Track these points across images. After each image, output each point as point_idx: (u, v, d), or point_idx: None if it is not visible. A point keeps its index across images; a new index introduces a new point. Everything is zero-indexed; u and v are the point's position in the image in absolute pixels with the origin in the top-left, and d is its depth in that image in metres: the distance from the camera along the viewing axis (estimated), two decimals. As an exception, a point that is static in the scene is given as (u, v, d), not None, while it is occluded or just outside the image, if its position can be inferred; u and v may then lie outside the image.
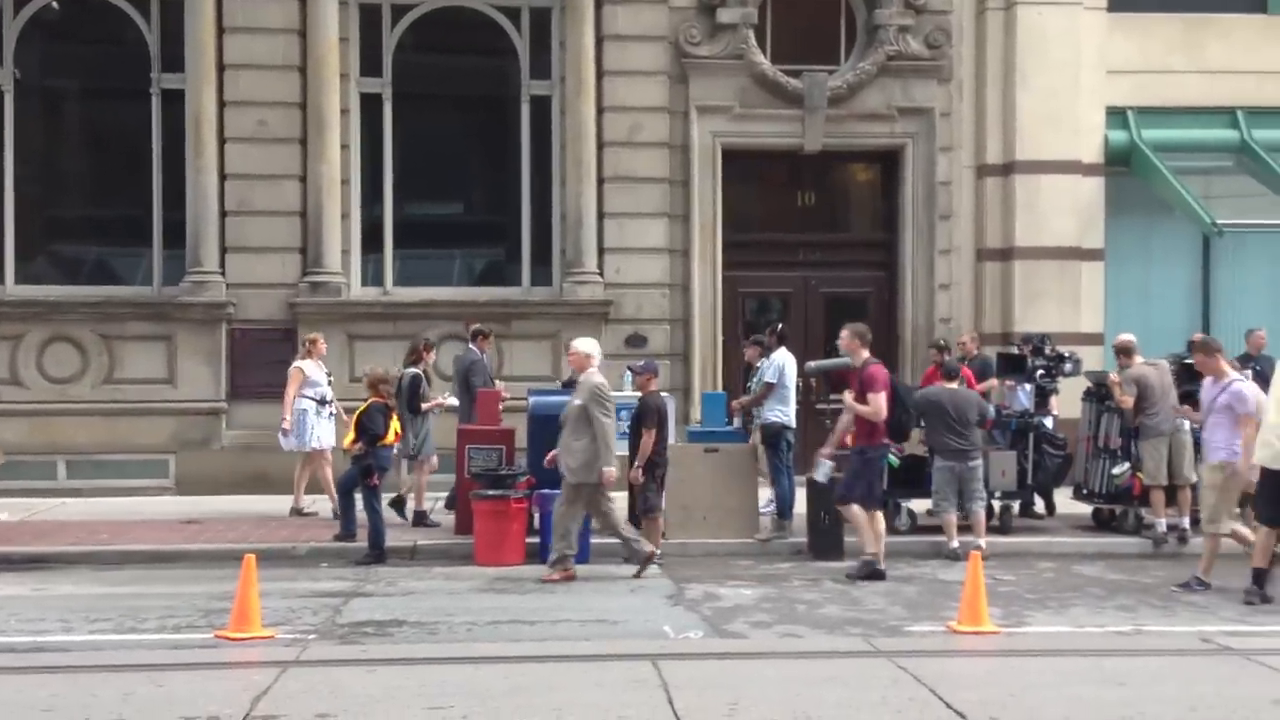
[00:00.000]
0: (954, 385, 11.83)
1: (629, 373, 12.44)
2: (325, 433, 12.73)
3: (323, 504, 12.82)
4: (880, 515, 10.77)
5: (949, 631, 8.56)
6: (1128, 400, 11.88)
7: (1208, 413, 10.25)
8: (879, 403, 10.41)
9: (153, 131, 15.09)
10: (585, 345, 10.83)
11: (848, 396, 10.68)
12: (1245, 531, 10.42)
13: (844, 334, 10.93)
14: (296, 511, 12.82)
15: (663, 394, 11.76)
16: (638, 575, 10.36)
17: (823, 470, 10.89)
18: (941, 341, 14.00)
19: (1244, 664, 7.58)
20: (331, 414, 12.82)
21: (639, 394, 11.39)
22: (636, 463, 10.96)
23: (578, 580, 10.29)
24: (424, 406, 12.34)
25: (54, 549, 11.34)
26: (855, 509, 10.52)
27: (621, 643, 8.23)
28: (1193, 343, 10.81)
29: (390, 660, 7.60)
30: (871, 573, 10.34)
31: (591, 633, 8.58)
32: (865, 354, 10.73)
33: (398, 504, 12.46)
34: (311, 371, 12.82)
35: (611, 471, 10.33)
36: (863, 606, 9.48)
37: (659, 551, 10.67)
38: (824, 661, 7.67)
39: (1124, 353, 12.25)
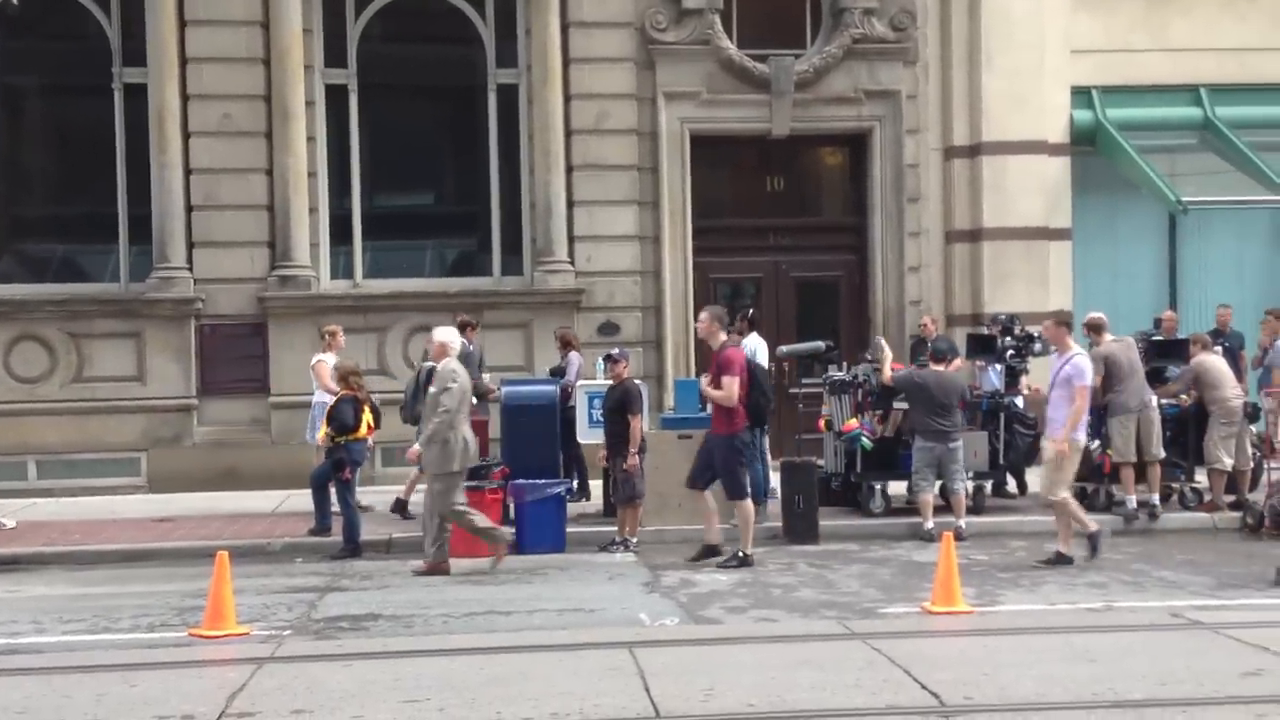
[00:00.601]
0: (940, 367, 11.88)
1: (601, 361, 12.45)
2: None
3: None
4: (710, 496, 10.56)
5: (923, 612, 8.62)
6: (1096, 379, 11.97)
7: (1052, 386, 10.42)
8: (731, 387, 10.21)
9: (116, 127, 14.96)
10: (442, 334, 10.69)
11: (703, 381, 10.57)
12: (1074, 505, 10.50)
13: (702, 316, 10.84)
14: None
15: (635, 380, 11.76)
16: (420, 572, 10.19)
17: None
18: (869, 355, 13.69)
19: (1213, 638, 7.66)
20: None
21: (611, 382, 11.38)
22: (631, 449, 10.92)
23: (553, 570, 10.30)
24: None
25: (26, 550, 11.25)
26: (748, 504, 10.43)
27: (598, 631, 8.24)
28: (1055, 318, 10.94)
29: (366, 655, 7.60)
30: (742, 561, 10.27)
31: (568, 622, 8.59)
32: (723, 337, 10.59)
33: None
34: (322, 365, 12.58)
35: (415, 449, 10.33)
36: (837, 589, 9.53)
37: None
38: (799, 645, 7.71)
39: (1094, 330, 12.33)
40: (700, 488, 10.55)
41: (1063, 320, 10.59)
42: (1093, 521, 10.44)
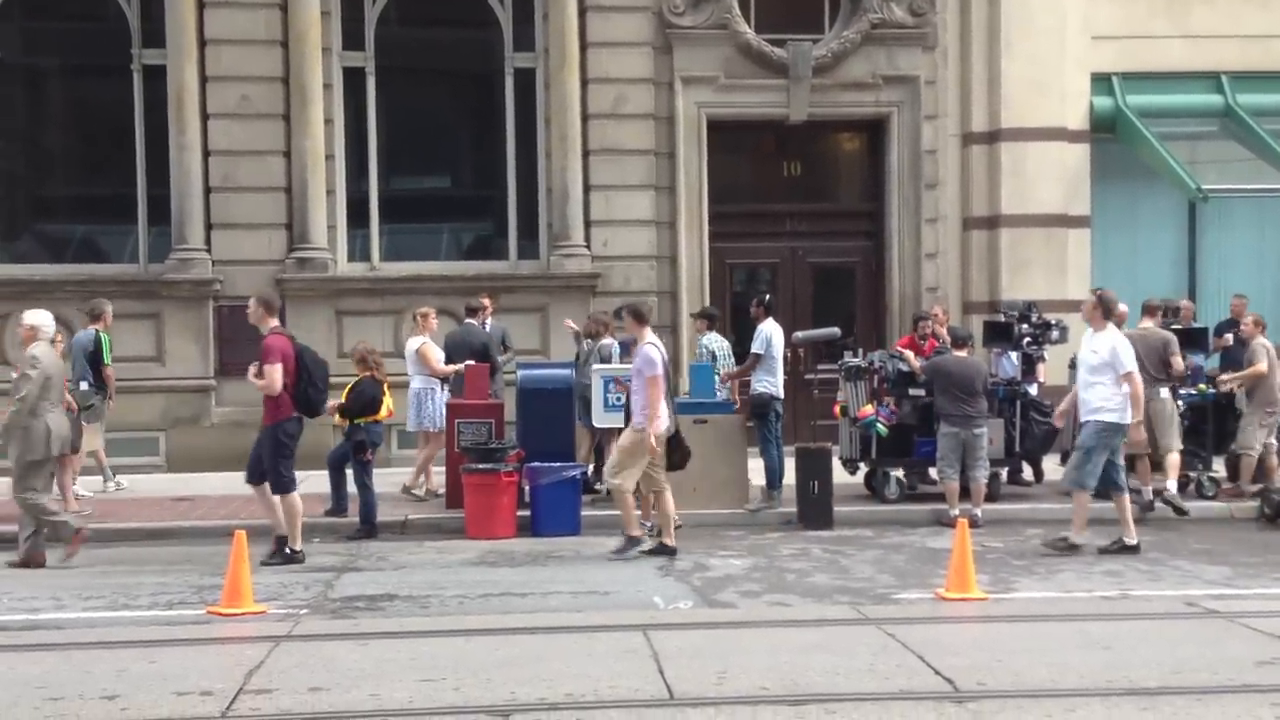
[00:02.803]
0: (962, 353, 11.88)
1: (617, 345, 12.47)
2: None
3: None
4: (297, 498, 10.03)
5: (937, 598, 8.62)
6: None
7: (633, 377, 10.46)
8: (272, 375, 9.76)
9: (135, 108, 15.03)
10: (31, 317, 10.31)
11: (252, 370, 10.12)
12: (630, 504, 10.20)
13: (251, 302, 10.30)
14: (407, 490, 12.39)
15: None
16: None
17: None
18: (935, 320, 13.73)
19: (1228, 626, 7.66)
20: (450, 391, 12.68)
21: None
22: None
23: (569, 553, 10.33)
24: None
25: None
26: (292, 498, 9.91)
27: (612, 614, 8.26)
28: (621, 311, 10.93)
29: (382, 634, 7.65)
30: (288, 558, 9.85)
31: (583, 604, 8.62)
32: (273, 322, 10.21)
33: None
34: (428, 348, 12.49)
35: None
36: (851, 575, 9.54)
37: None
38: (812, 630, 7.73)
39: (1148, 312, 12.22)
40: (256, 482, 10.08)
41: (635, 310, 10.54)
42: (639, 526, 10.22)
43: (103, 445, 12.93)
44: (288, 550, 9.93)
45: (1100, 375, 10.19)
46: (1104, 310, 10.38)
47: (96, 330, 12.70)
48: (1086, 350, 10.40)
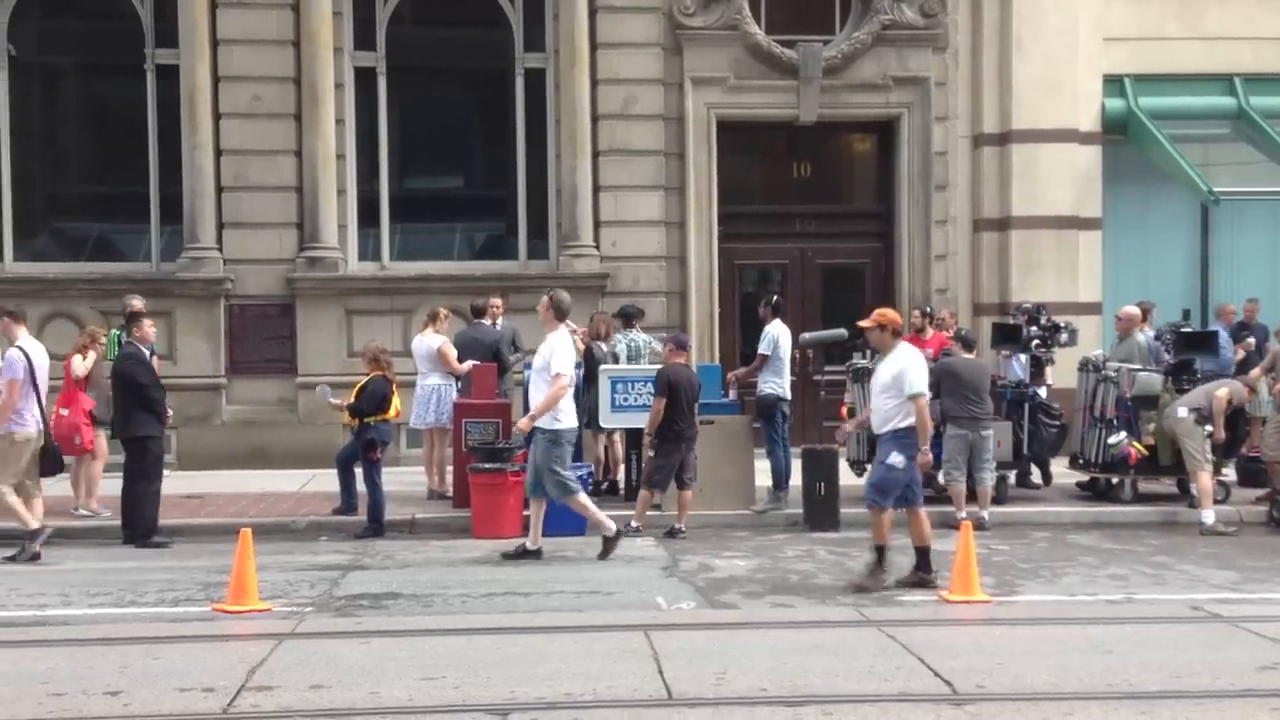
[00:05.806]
0: (970, 355, 11.86)
1: (623, 345, 12.48)
2: None
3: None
4: None
5: (940, 600, 8.62)
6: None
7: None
8: None
9: (148, 107, 15.10)
10: None
11: None
12: (15, 503, 10.14)
13: None
14: (440, 495, 12.41)
15: (675, 365, 11.42)
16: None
17: None
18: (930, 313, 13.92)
19: (1232, 631, 7.64)
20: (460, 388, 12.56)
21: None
22: (647, 429, 10.99)
23: (573, 553, 10.36)
24: None
25: (55, 524, 11.37)
26: None
27: (614, 614, 8.29)
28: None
29: (385, 632, 7.69)
30: None
31: (585, 604, 8.64)
32: None
33: None
34: (448, 347, 12.54)
35: None
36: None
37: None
38: (814, 631, 7.73)
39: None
40: None
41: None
42: (35, 520, 10.07)
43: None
44: None
45: (541, 377, 10.06)
46: (556, 312, 10.22)
47: (116, 329, 12.95)
48: (536, 355, 10.29)
